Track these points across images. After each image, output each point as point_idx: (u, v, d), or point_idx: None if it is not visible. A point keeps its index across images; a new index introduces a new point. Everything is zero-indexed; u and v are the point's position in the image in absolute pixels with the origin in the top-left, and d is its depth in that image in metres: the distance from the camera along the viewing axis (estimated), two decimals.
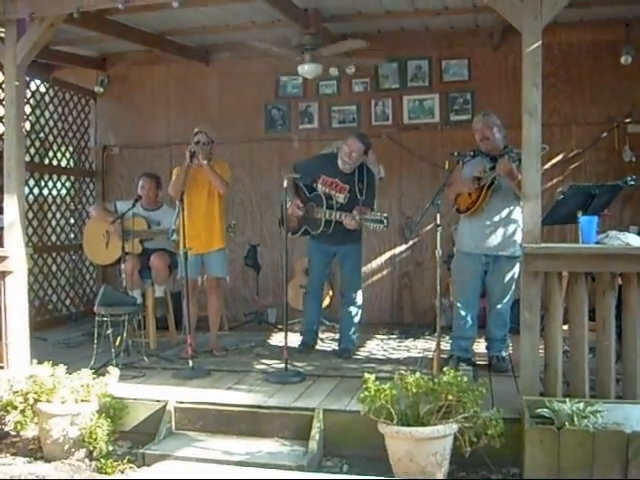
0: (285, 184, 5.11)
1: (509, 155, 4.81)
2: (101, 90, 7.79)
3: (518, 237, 4.80)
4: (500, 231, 4.93)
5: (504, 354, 5.10)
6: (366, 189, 5.44)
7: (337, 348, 5.74)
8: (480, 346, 5.38)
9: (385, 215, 5.07)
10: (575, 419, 3.53)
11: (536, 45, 3.94)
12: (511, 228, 4.93)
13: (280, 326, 6.59)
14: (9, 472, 3.90)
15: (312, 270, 5.84)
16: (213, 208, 5.59)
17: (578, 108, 6.73)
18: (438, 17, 6.47)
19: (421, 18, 6.56)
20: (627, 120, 6.56)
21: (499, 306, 5.03)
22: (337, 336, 5.88)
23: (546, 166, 6.14)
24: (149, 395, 4.49)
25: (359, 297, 5.67)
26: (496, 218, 4.94)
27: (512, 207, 4.93)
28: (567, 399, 3.71)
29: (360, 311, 5.70)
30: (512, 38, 5.27)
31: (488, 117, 5.04)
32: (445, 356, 5.06)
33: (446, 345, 5.27)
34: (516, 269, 4.91)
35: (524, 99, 3.99)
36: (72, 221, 7.74)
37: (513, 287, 4.99)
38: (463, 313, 5.08)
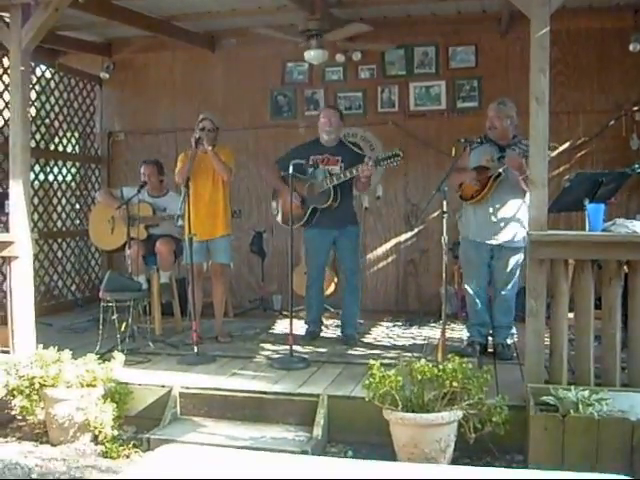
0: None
1: (519, 149, 4.82)
2: (106, 76, 7.77)
3: (522, 227, 4.87)
4: (504, 221, 4.95)
5: (509, 342, 5.10)
6: (356, 155, 5.52)
7: (341, 335, 5.74)
8: None
9: (398, 149, 5.14)
10: (580, 407, 3.53)
11: (544, 31, 3.91)
12: (515, 218, 4.96)
13: (285, 313, 6.61)
14: (14, 455, 3.93)
15: (312, 259, 5.77)
16: (217, 195, 5.59)
17: (586, 95, 6.69)
18: (445, 3, 6.43)
19: (427, 4, 6.50)
20: (635, 108, 6.52)
21: (504, 292, 5.04)
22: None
23: (553, 154, 6.10)
24: (154, 380, 4.50)
25: (361, 282, 5.74)
26: (500, 208, 4.96)
27: (517, 197, 4.95)
28: (572, 387, 3.71)
29: (362, 296, 5.78)
30: (519, 24, 5.27)
31: (502, 106, 4.99)
32: (460, 344, 5.13)
33: (451, 332, 5.28)
34: (520, 257, 4.94)
35: (532, 86, 3.96)
36: (77, 207, 7.75)
37: (517, 274, 5.01)
38: (477, 300, 5.12)
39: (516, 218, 4.95)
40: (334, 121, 5.53)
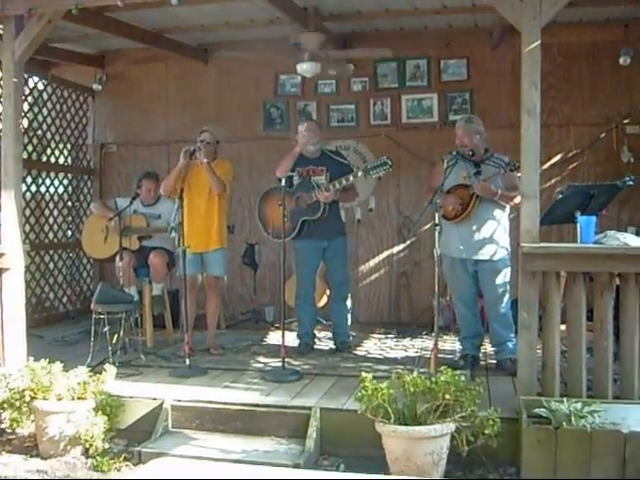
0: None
1: (494, 164, 4.92)
2: (99, 88, 7.77)
3: (504, 241, 4.96)
4: (487, 237, 4.96)
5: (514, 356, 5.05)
6: (340, 164, 5.62)
7: (334, 345, 5.73)
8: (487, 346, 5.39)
9: (386, 157, 5.28)
10: (572, 419, 3.52)
11: (535, 45, 3.95)
12: (497, 233, 4.99)
13: (277, 325, 6.59)
14: (2, 469, 3.89)
15: (302, 272, 5.72)
16: (213, 208, 5.58)
17: (577, 108, 6.72)
18: (437, 16, 6.45)
19: (420, 17, 6.54)
20: (625, 121, 6.55)
21: (501, 308, 4.99)
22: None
23: (544, 166, 6.14)
24: (146, 393, 4.48)
25: (348, 292, 5.85)
26: (483, 224, 4.97)
27: (497, 212, 4.99)
28: (564, 399, 3.71)
29: (351, 304, 5.85)
30: (511, 38, 5.28)
31: (469, 124, 5.04)
32: (453, 357, 5.14)
33: (443, 344, 5.27)
34: (506, 271, 4.96)
35: (523, 99, 3.99)
36: (69, 219, 7.72)
37: (508, 287, 5.00)
38: (467, 313, 5.13)
39: (498, 232, 4.98)
40: (312, 130, 5.64)
